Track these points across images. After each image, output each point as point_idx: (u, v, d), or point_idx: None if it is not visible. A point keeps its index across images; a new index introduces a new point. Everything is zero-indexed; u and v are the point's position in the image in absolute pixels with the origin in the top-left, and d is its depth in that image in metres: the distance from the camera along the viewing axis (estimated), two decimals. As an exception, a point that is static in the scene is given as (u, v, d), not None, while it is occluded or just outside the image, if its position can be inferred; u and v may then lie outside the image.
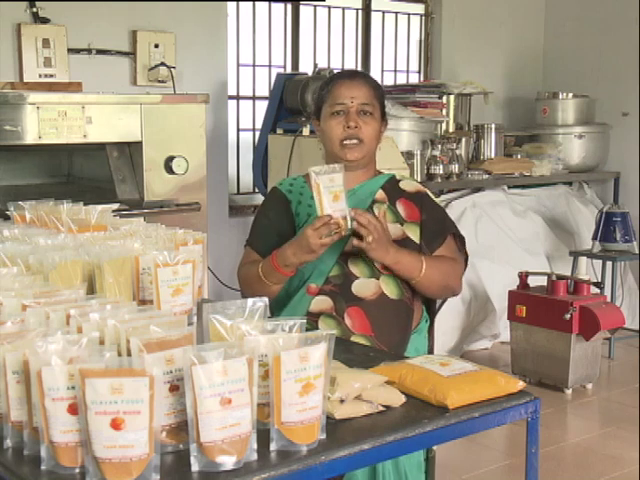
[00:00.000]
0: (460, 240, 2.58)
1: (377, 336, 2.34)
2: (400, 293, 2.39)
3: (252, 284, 2.41)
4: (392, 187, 2.51)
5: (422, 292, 2.46)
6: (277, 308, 2.45)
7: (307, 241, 2.22)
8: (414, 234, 2.45)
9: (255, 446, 1.37)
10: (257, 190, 5.56)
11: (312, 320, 2.34)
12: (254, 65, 5.74)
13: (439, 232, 2.51)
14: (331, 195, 2.18)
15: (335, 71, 5.10)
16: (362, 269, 2.37)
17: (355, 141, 2.41)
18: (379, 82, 2.60)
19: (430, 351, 2.56)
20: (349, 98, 2.42)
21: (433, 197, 2.59)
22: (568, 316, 4.57)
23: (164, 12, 5.05)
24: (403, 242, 2.40)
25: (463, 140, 5.69)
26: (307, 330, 1.52)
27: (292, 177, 2.62)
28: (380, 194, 2.47)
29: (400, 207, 2.47)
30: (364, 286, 2.37)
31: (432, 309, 2.61)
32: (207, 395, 1.30)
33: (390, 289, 2.38)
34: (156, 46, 4.99)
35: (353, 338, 2.31)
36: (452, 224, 2.60)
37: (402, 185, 2.53)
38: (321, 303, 2.37)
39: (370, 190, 2.47)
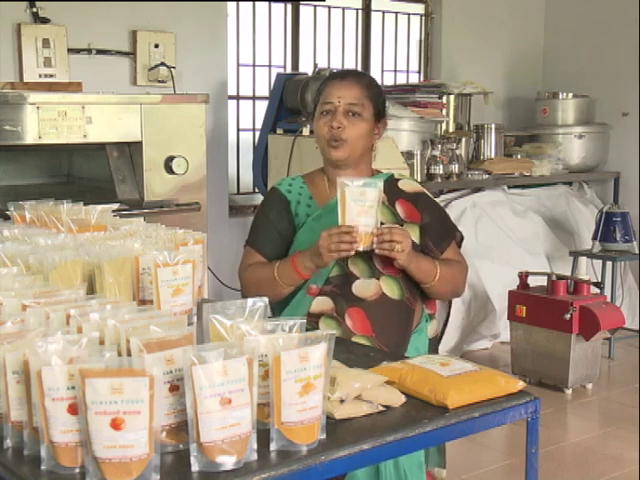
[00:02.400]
0: (460, 239, 2.60)
1: (378, 336, 2.33)
2: (401, 293, 2.39)
3: (261, 285, 2.39)
4: (391, 187, 2.50)
5: (432, 296, 2.48)
6: (278, 309, 2.45)
7: (318, 243, 2.23)
8: (413, 234, 2.44)
9: (255, 446, 1.37)
10: (257, 190, 5.57)
11: (312, 321, 2.33)
12: (254, 65, 5.74)
13: (445, 233, 2.52)
14: (358, 208, 2.18)
15: (335, 71, 5.11)
16: (362, 269, 2.37)
17: (340, 141, 2.41)
18: (376, 81, 2.58)
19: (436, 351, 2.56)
20: (336, 98, 2.42)
21: (432, 197, 2.59)
22: (568, 316, 4.57)
23: (164, 12, 5.05)
24: None
25: (463, 140, 5.69)
26: (307, 331, 1.52)
27: (291, 177, 2.62)
28: None
29: (399, 207, 2.47)
30: (364, 286, 2.37)
31: (433, 307, 2.59)
32: (207, 395, 1.30)
33: (391, 289, 2.38)
34: (156, 46, 4.99)
35: (354, 339, 2.31)
36: (453, 224, 2.61)
37: (401, 185, 2.52)
38: (322, 304, 2.37)
39: None
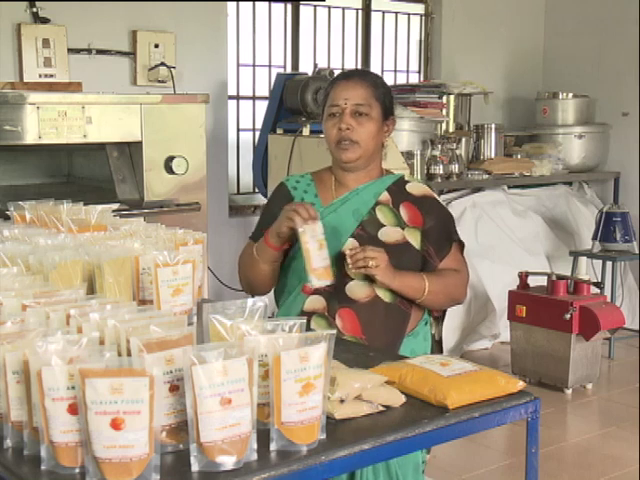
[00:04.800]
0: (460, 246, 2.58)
1: (367, 339, 2.33)
2: (394, 297, 2.37)
3: (245, 265, 2.46)
4: (398, 189, 2.48)
5: (427, 307, 2.47)
6: (278, 304, 2.49)
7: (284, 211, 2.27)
8: (414, 239, 2.43)
9: (255, 446, 1.37)
10: (257, 190, 5.57)
11: (305, 319, 2.33)
12: (254, 65, 5.74)
13: (446, 240, 2.50)
14: (317, 244, 2.21)
15: (335, 71, 5.11)
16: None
17: (349, 142, 2.41)
18: (383, 79, 2.55)
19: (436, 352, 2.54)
20: (343, 99, 2.41)
21: (440, 201, 2.55)
22: (568, 316, 4.57)
23: (164, 12, 5.05)
24: (402, 246, 2.39)
25: (463, 140, 5.69)
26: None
27: (300, 174, 2.61)
28: (384, 196, 2.45)
29: (403, 210, 2.45)
30: (358, 288, 2.36)
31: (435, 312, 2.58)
32: (207, 395, 1.30)
33: (384, 292, 2.36)
34: (156, 46, 4.99)
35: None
36: (455, 230, 2.57)
37: (409, 188, 2.50)
38: (315, 302, 2.38)
39: (374, 191, 2.45)
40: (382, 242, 2.38)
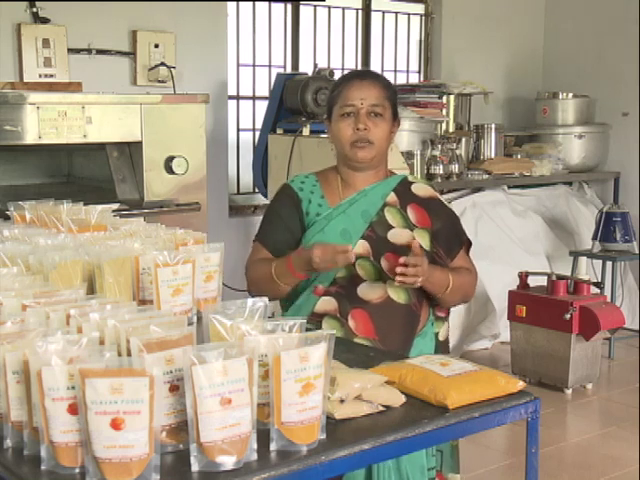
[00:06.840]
0: (468, 245, 2.58)
1: (380, 340, 2.32)
2: (407, 298, 2.37)
3: (262, 283, 2.39)
4: (404, 190, 2.48)
5: (442, 304, 2.46)
6: (285, 305, 2.47)
7: (312, 253, 2.23)
8: (423, 240, 2.42)
9: (255, 446, 1.37)
10: (257, 190, 5.56)
11: (316, 320, 2.33)
12: (254, 65, 5.74)
13: (456, 240, 2.50)
14: (204, 275, 2.06)
15: (335, 71, 5.11)
16: (369, 272, 2.36)
17: (365, 142, 2.40)
18: (391, 81, 2.56)
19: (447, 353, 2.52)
20: (359, 99, 2.40)
21: (445, 202, 2.56)
22: (568, 316, 4.57)
23: (164, 12, 5.05)
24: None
25: (463, 140, 5.69)
26: (311, 330, 1.51)
27: (304, 175, 2.59)
28: (392, 197, 2.45)
29: (410, 212, 2.45)
30: (370, 289, 2.36)
31: (445, 310, 2.56)
32: (207, 395, 1.30)
33: (397, 293, 2.36)
34: (156, 46, 4.99)
35: (356, 340, 2.30)
36: (463, 230, 2.57)
37: (414, 189, 2.50)
38: (326, 304, 2.37)
39: (382, 193, 2.45)
40: (392, 243, 2.38)
